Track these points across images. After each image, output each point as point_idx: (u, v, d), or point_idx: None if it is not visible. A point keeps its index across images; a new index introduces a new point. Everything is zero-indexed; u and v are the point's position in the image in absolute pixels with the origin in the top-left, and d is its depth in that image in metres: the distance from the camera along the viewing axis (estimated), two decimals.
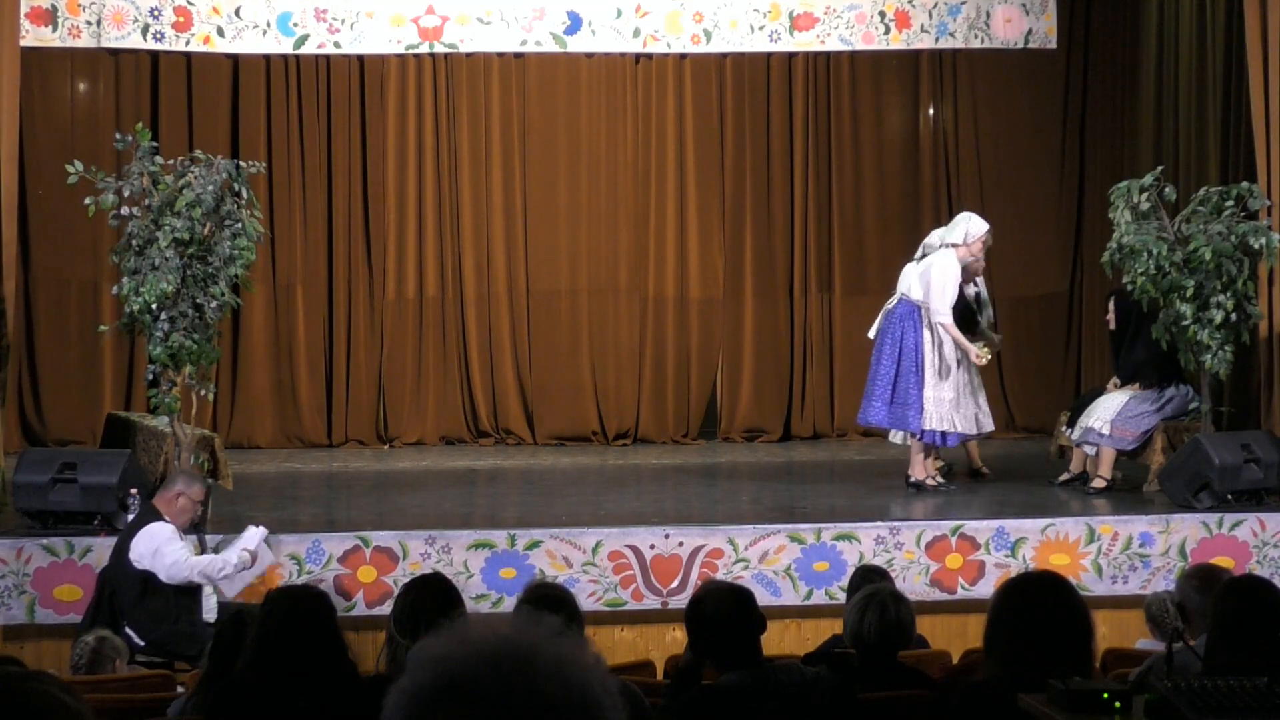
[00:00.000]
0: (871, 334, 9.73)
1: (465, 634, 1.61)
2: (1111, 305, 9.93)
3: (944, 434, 9.45)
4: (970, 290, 9.87)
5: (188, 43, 12.00)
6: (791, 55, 12.63)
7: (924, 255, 9.70)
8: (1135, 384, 9.73)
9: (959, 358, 9.41)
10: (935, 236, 9.83)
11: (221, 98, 12.21)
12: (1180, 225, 9.26)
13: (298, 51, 12.16)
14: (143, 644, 7.28)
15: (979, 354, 9.41)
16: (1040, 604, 3.64)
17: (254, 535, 7.67)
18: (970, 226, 9.69)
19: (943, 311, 9.35)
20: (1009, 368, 12.56)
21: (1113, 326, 9.90)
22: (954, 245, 9.50)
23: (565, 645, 1.61)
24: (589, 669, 1.61)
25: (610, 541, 8.25)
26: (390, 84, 12.38)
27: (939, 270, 9.38)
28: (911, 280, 9.57)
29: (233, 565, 7.50)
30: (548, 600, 4.79)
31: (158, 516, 7.47)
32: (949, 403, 9.41)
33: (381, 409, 12.46)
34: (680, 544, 8.28)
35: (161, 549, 7.33)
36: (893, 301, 9.64)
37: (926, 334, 9.44)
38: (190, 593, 7.45)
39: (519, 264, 12.53)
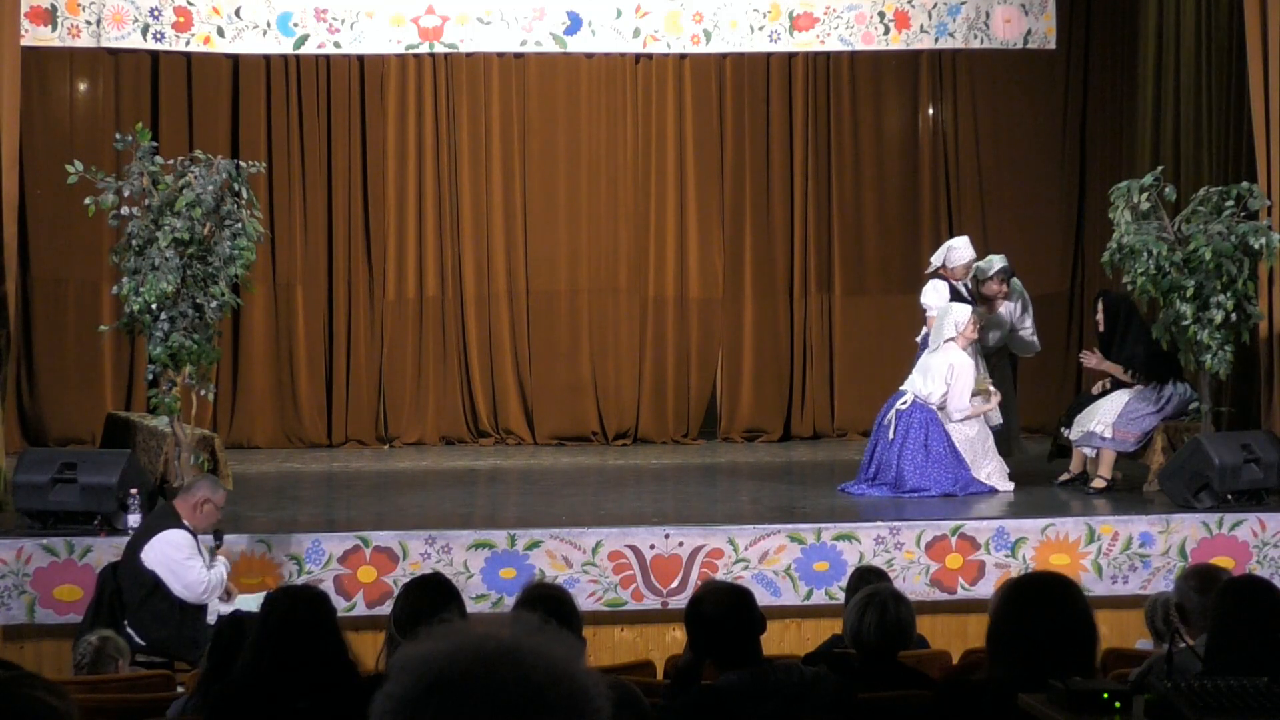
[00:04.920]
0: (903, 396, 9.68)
1: (446, 635, 1.62)
2: (1100, 306, 9.90)
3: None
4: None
5: (188, 43, 12.00)
6: (791, 55, 12.63)
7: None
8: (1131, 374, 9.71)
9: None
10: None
11: (221, 98, 12.22)
12: (1180, 225, 9.26)
13: (298, 51, 12.16)
14: (143, 644, 7.28)
15: (991, 394, 9.68)
16: (1045, 605, 3.63)
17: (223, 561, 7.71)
18: (950, 254, 9.97)
19: (963, 410, 9.45)
20: None
21: (1102, 329, 9.86)
22: (952, 338, 9.50)
23: (546, 636, 1.62)
24: (573, 658, 1.61)
25: (610, 541, 8.25)
26: (390, 84, 12.38)
27: (957, 373, 9.43)
28: (918, 381, 9.58)
29: (225, 575, 7.52)
30: (546, 600, 4.79)
31: (177, 520, 7.42)
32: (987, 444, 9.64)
33: (381, 409, 12.47)
34: (680, 544, 8.28)
35: (184, 564, 7.31)
36: (905, 402, 9.59)
37: (946, 422, 9.52)
38: None
39: (519, 264, 12.54)
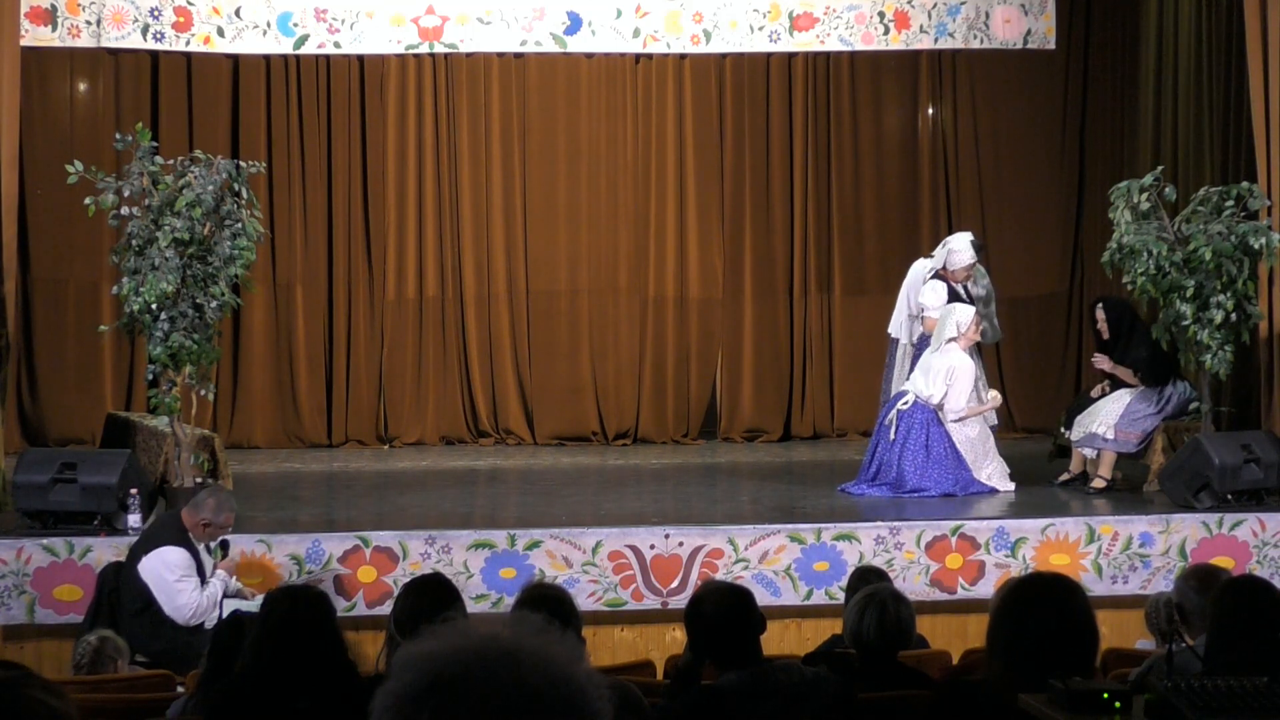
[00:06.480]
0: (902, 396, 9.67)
1: (448, 634, 1.62)
2: (1101, 314, 9.85)
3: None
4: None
5: (188, 43, 12.00)
6: (791, 55, 12.63)
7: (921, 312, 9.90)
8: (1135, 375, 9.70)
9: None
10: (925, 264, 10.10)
11: (221, 98, 12.22)
12: (1180, 225, 9.26)
13: (298, 51, 12.16)
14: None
15: (994, 399, 9.70)
16: (1045, 605, 3.63)
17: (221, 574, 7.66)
18: (950, 257, 9.90)
19: (958, 410, 9.45)
20: (1009, 368, 12.56)
21: (1105, 336, 9.82)
22: (954, 339, 9.49)
23: (548, 639, 1.62)
24: (573, 661, 1.62)
25: (610, 541, 8.25)
26: (390, 84, 12.38)
27: (959, 374, 9.44)
28: (919, 381, 9.56)
29: (220, 593, 7.46)
30: (545, 600, 4.79)
31: (179, 535, 7.38)
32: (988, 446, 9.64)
33: (381, 409, 12.46)
34: (680, 544, 8.28)
35: (174, 586, 7.28)
36: (907, 403, 9.58)
37: (946, 422, 9.52)
38: None
39: (519, 264, 12.54)
